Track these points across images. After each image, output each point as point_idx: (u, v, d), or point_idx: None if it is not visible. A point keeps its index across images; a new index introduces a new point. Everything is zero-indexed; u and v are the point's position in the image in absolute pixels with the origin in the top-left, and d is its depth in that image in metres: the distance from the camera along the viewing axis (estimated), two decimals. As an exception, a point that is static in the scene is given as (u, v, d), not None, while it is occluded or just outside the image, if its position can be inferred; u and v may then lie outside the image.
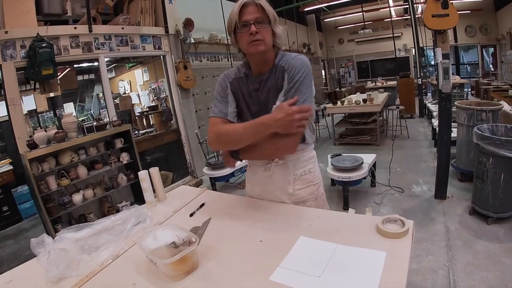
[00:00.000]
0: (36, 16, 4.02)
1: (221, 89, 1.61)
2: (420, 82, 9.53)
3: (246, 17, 1.36)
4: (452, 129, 3.92)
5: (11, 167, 4.99)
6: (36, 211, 4.37)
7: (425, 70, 11.03)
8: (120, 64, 7.51)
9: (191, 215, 1.58)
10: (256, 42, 1.39)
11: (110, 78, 5.56)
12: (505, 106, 4.47)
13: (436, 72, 3.84)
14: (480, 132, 3.21)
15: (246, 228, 1.38)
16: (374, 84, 11.45)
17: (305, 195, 1.60)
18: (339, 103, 7.66)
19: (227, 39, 7.47)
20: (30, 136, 3.54)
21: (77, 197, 3.81)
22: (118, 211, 4.13)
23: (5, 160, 5.20)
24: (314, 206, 1.62)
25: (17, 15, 3.77)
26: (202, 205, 1.67)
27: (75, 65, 5.33)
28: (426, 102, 9.02)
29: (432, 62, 11.52)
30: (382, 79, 12.02)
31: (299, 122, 1.23)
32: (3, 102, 3.78)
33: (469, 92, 11.17)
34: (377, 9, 13.34)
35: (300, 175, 1.58)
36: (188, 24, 5.80)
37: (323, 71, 16.56)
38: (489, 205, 3.22)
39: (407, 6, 10.19)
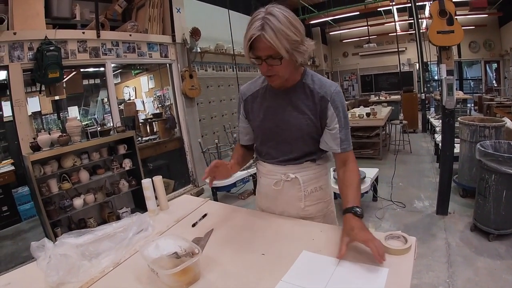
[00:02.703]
0: (45, 19, 4.05)
1: (239, 108, 1.66)
2: (423, 97, 9.54)
3: (258, 52, 1.25)
4: (455, 144, 3.92)
5: (12, 167, 4.99)
6: (36, 213, 4.36)
7: (428, 85, 11.04)
8: (126, 70, 7.55)
9: (193, 225, 1.57)
10: (270, 78, 1.35)
11: (115, 84, 5.61)
12: (508, 123, 4.47)
13: (440, 88, 3.85)
14: (482, 149, 3.21)
15: (249, 241, 1.37)
16: (377, 98, 11.46)
17: (314, 212, 1.58)
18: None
19: (233, 49, 7.55)
20: (34, 138, 3.55)
21: (78, 201, 3.80)
22: (118, 217, 4.14)
23: (7, 160, 5.22)
24: (323, 222, 1.59)
25: (26, 17, 3.81)
26: (205, 215, 1.66)
27: (81, 69, 5.36)
28: (429, 117, 9.02)
29: (436, 77, 11.55)
30: (385, 93, 12.01)
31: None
32: (8, 103, 3.79)
33: (472, 108, 11.18)
34: (382, 24, 13.40)
35: (310, 191, 1.56)
36: (195, 33, 5.86)
37: (327, 84, 16.59)
38: (490, 222, 3.20)
39: (412, 21, 10.25)
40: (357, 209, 1.24)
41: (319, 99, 1.41)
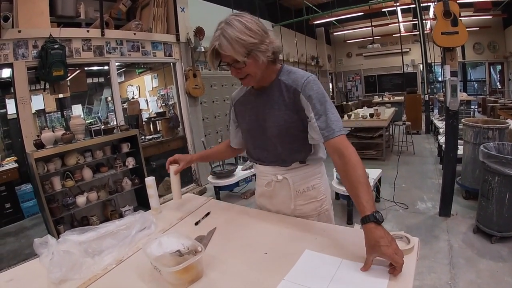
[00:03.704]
0: (49, 17, 4.07)
1: (230, 113, 1.75)
2: (427, 98, 9.51)
3: (224, 59, 1.34)
4: (458, 146, 3.91)
5: (16, 165, 5.01)
6: (39, 210, 4.38)
7: (432, 86, 11.01)
8: (130, 69, 7.56)
9: (196, 223, 1.57)
10: (244, 80, 1.40)
11: (119, 83, 5.62)
12: (512, 125, 4.46)
13: (443, 89, 3.83)
14: (486, 151, 3.20)
15: (251, 240, 1.37)
16: (381, 99, 11.45)
17: (307, 211, 1.59)
18: (346, 116, 7.64)
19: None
20: (38, 136, 3.56)
21: (80, 199, 3.81)
22: (121, 215, 4.14)
23: (10, 158, 5.23)
24: (318, 221, 1.60)
25: (30, 16, 3.82)
26: (208, 214, 1.67)
27: (85, 68, 5.37)
28: (433, 118, 9.01)
29: (440, 79, 11.51)
30: (389, 94, 12.01)
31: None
32: (12, 100, 3.80)
33: (476, 109, 11.14)
34: (386, 24, 13.38)
35: (302, 191, 1.57)
36: (199, 32, 5.85)
37: (330, 85, 16.58)
38: (493, 224, 3.19)
39: (416, 22, 10.23)
40: (377, 215, 1.11)
41: (292, 92, 1.42)
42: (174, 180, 1.83)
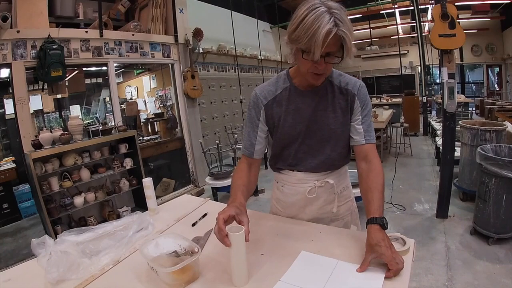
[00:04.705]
0: (48, 18, 4.06)
1: (254, 114, 1.46)
2: (425, 100, 9.53)
3: (326, 48, 1.15)
4: (455, 148, 3.92)
5: (14, 165, 5.00)
6: (36, 210, 4.37)
7: (430, 88, 11.04)
8: (128, 70, 7.57)
9: (193, 224, 1.58)
10: (319, 76, 1.26)
11: (117, 83, 5.62)
12: (509, 127, 4.47)
13: (441, 91, 3.85)
14: (483, 152, 3.21)
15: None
16: (379, 100, 11.45)
17: (343, 211, 1.58)
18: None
19: (235, 50, 7.57)
20: (36, 136, 3.56)
21: (78, 200, 3.81)
22: (118, 215, 4.14)
23: (8, 158, 5.23)
24: (350, 220, 1.60)
25: (29, 16, 3.82)
26: (205, 215, 1.67)
27: (84, 68, 5.37)
28: (431, 120, 9.01)
29: (438, 80, 11.54)
30: (387, 96, 12.00)
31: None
32: (10, 100, 3.80)
33: (474, 111, 11.16)
34: (385, 26, 13.39)
35: (340, 192, 1.54)
36: (198, 34, 5.86)
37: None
38: (490, 226, 3.21)
39: (414, 24, 10.25)
40: (384, 220, 1.15)
41: (347, 94, 1.40)
42: (242, 252, 1.07)
